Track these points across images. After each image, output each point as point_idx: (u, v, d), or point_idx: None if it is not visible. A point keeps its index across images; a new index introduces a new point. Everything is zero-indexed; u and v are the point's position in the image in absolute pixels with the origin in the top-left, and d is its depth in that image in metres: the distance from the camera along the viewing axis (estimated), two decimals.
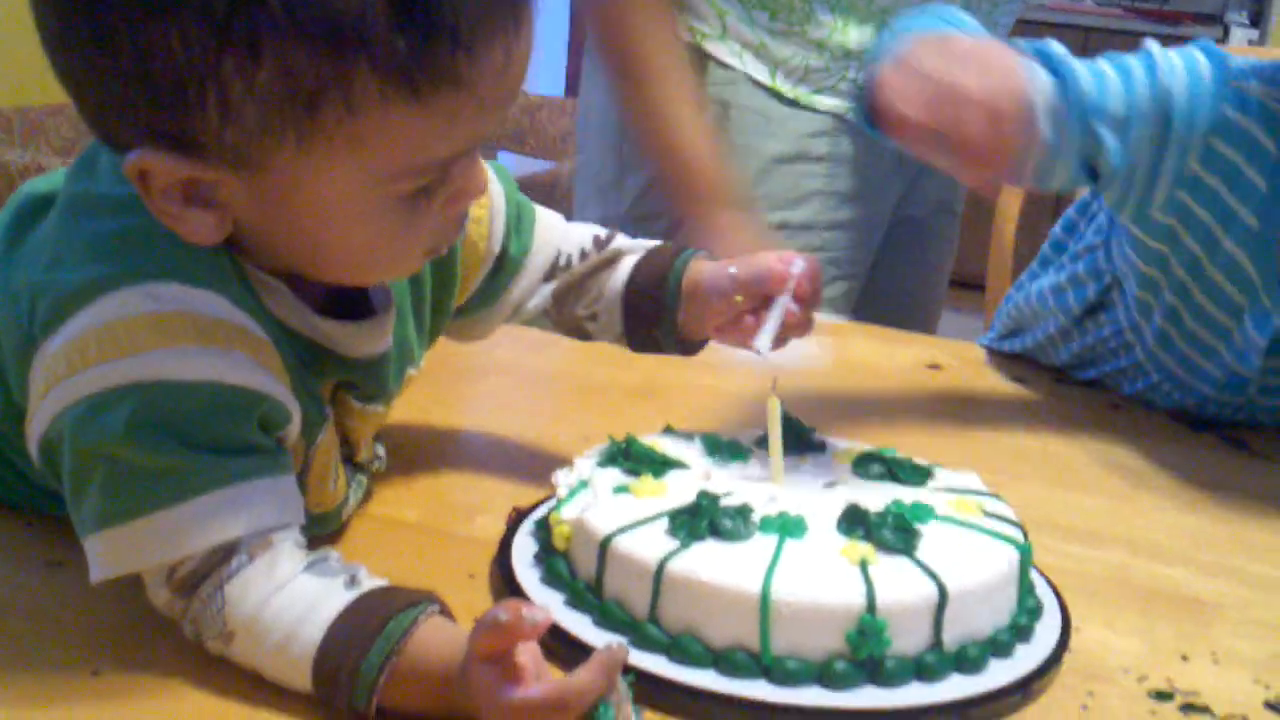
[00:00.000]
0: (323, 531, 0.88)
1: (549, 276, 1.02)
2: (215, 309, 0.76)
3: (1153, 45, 1.14)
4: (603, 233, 1.04)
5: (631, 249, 1.02)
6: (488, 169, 0.95)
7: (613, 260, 1.02)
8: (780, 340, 0.95)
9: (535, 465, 1.04)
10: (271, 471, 0.78)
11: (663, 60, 1.48)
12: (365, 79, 0.69)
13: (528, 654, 0.70)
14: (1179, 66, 1.11)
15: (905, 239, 1.70)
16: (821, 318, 1.25)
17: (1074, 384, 1.38)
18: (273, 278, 0.80)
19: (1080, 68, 1.09)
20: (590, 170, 1.69)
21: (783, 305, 0.94)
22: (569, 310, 1.02)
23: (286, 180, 0.73)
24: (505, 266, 0.99)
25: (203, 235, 0.76)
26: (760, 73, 1.54)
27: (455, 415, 1.18)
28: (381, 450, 0.98)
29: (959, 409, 1.30)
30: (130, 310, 0.74)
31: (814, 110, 1.55)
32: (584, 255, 1.02)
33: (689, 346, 1.02)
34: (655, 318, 1.00)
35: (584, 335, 1.04)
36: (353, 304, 0.86)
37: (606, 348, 1.39)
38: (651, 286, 1.00)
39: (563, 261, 1.02)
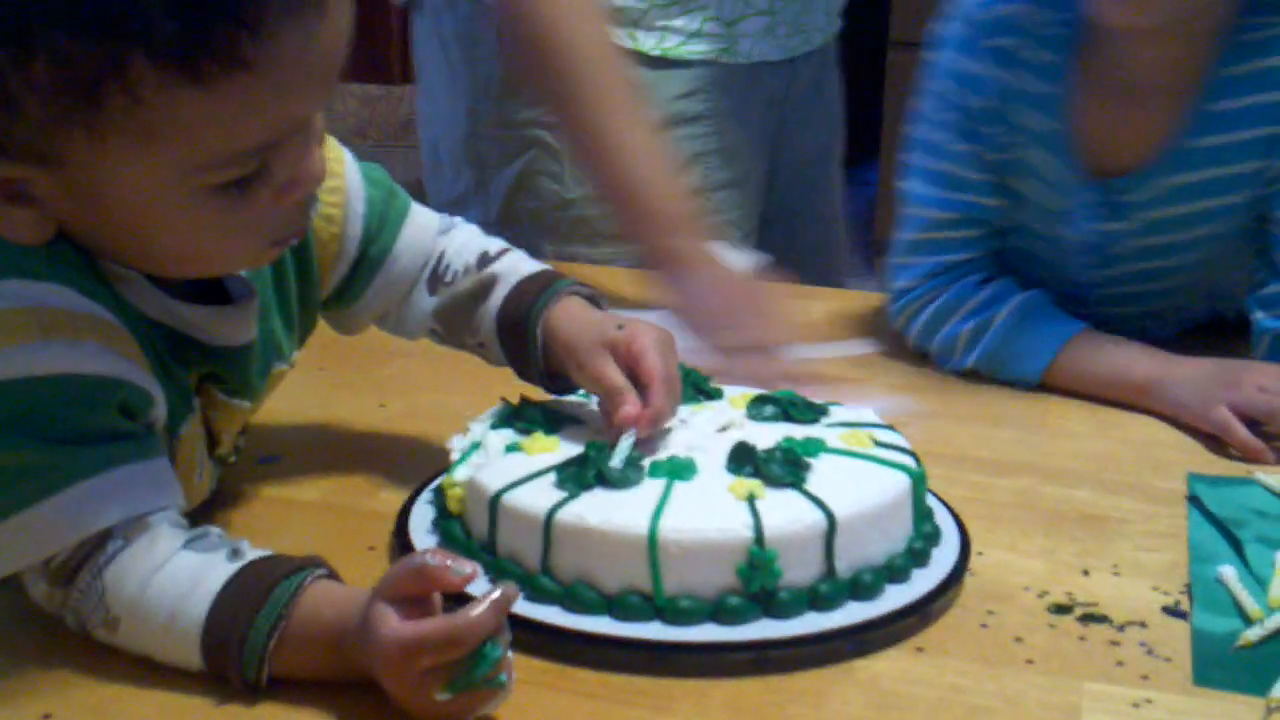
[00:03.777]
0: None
1: (432, 289, 0.98)
2: (59, 300, 0.75)
3: None
4: (492, 248, 0.98)
5: (504, 277, 0.96)
6: (347, 165, 0.93)
7: (488, 287, 0.96)
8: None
9: (441, 439, 1.03)
10: (141, 456, 0.77)
11: (595, 56, 1.26)
12: (142, 66, 0.66)
13: (434, 601, 0.70)
14: None
15: (790, 190, 1.64)
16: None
17: None
18: (126, 269, 0.79)
19: None
20: (443, 184, 1.60)
21: (631, 435, 0.85)
22: (459, 336, 0.99)
23: (91, 175, 0.71)
24: (362, 267, 0.95)
25: (25, 234, 0.74)
26: (617, 37, 1.40)
27: (360, 397, 1.17)
28: (242, 442, 0.96)
29: (868, 360, 1.30)
30: None
31: (684, 65, 1.48)
32: (466, 271, 0.97)
33: (569, 384, 0.95)
34: (524, 354, 0.94)
35: (487, 359, 1.00)
36: (213, 294, 0.85)
37: None
38: (516, 325, 0.94)
39: (447, 276, 0.97)
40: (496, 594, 0.68)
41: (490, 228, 1.04)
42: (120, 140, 0.69)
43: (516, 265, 0.98)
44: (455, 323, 0.98)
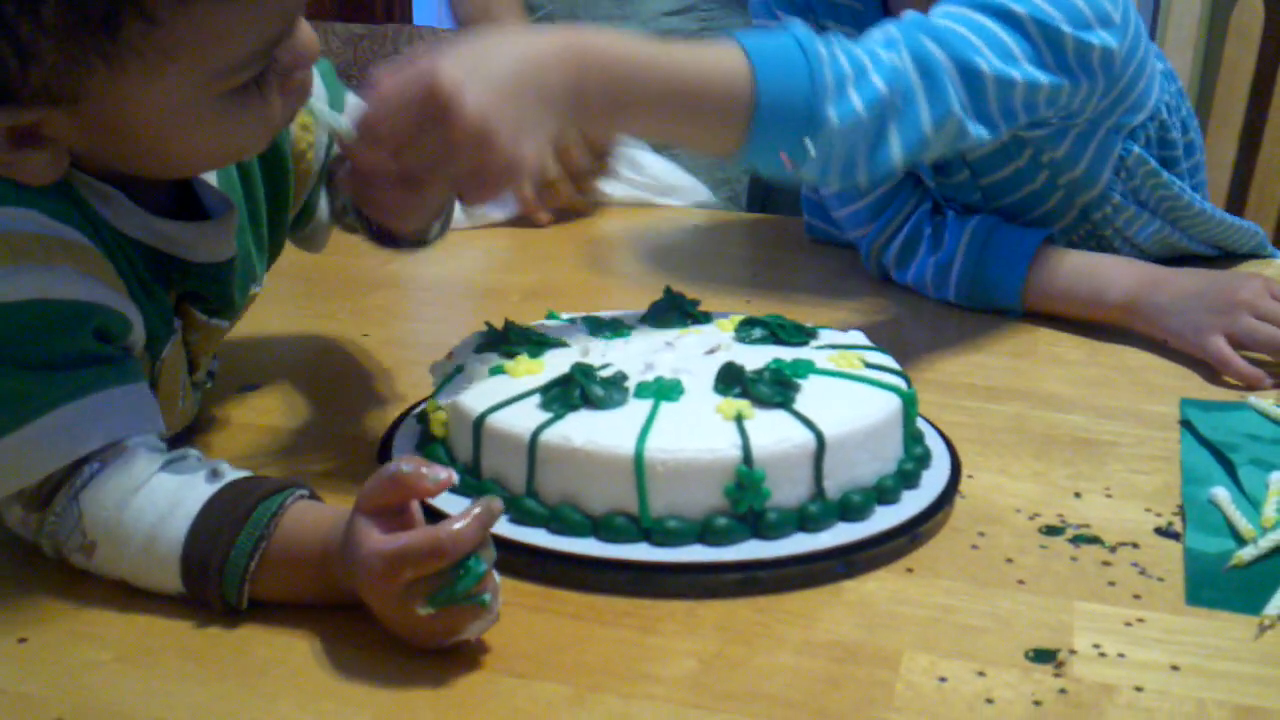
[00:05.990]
0: None
1: None
2: (28, 225, 0.73)
3: None
4: None
5: None
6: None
7: None
8: None
9: (424, 366, 1.02)
10: (118, 380, 0.75)
11: None
12: None
13: (413, 511, 0.69)
14: None
15: None
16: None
17: None
18: (107, 185, 0.77)
19: None
20: None
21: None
22: (335, 204, 0.97)
23: (110, 104, 0.70)
24: (322, 174, 0.95)
25: (42, 175, 0.73)
26: None
27: (343, 326, 1.16)
28: (215, 367, 0.95)
29: (861, 288, 1.28)
30: None
31: None
32: None
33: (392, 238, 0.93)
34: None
35: (353, 230, 0.98)
36: (191, 210, 0.83)
37: (501, 255, 1.39)
38: None
39: None
40: (479, 507, 0.67)
41: None
42: (139, 64, 0.68)
43: None
44: (332, 190, 0.96)
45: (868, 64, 0.92)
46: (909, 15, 0.99)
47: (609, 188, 1.38)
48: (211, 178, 0.85)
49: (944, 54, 0.96)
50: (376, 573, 0.67)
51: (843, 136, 0.90)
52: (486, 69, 0.77)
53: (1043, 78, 1.01)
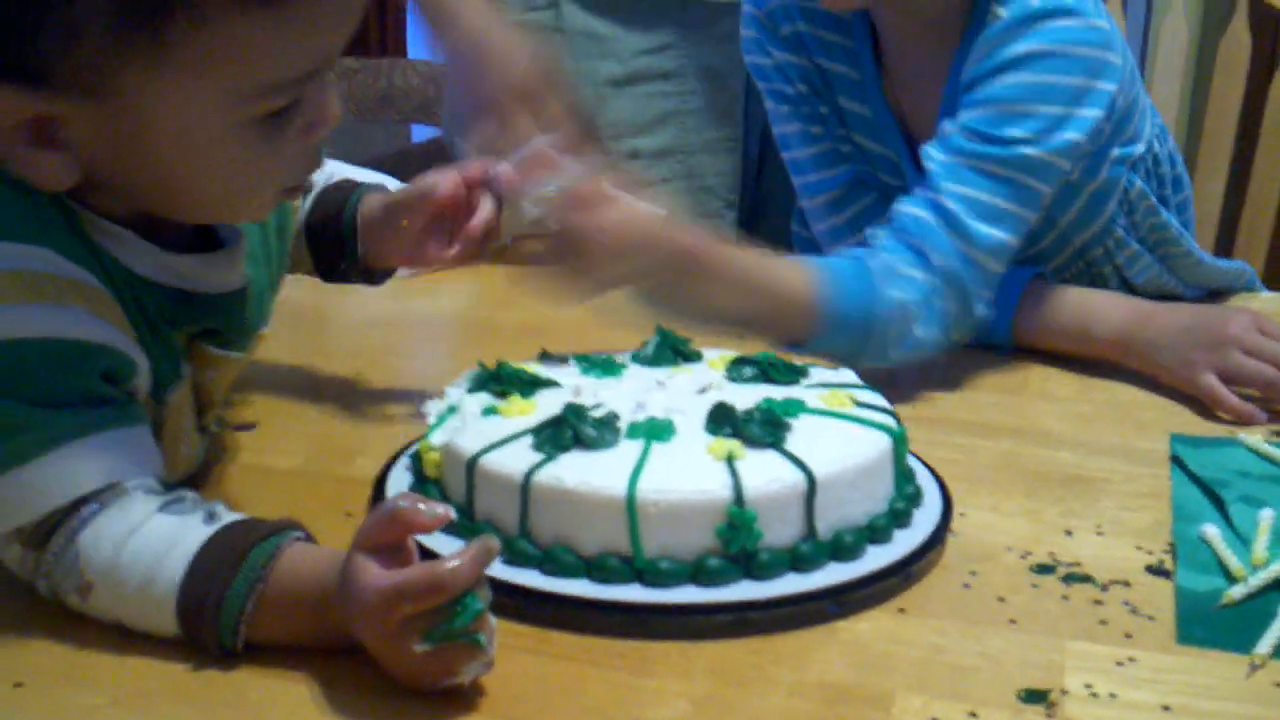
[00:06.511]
0: None
1: None
2: (42, 264, 0.74)
3: None
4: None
5: (315, 183, 1.02)
6: None
7: (304, 192, 1.01)
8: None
9: (418, 404, 1.02)
10: (120, 423, 0.76)
11: None
12: None
13: (410, 549, 0.69)
14: None
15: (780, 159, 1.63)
16: None
17: None
18: (117, 226, 0.78)
19: None
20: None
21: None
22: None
23: (138, 105, 0.71)
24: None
25: (54, 179, 0.74)
26: None
27: (336, 364, 1.16)
28: (222, 410, 0.96)
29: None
30: None
31: (651, 23, 1.44)
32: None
33: (374, 276, 1.04)
34: (337, 250, 1.01)
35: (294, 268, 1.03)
36: (203, 243, 0.84)
37: (495, 291, 1.39)
38: (330, 220, 1.00)
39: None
40: (477, 545, 0.68)
41: None
42: (177, 65, 0.70)
43: (336, 174, 1.04)
44: None
45: (918, 318, 1.05)
46: (923, 211, 1.07)
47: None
48: None
49: (972, 281, 1.07)
50: (374, 608, 0.67)
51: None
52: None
53: (1055, 184, 1.10)
